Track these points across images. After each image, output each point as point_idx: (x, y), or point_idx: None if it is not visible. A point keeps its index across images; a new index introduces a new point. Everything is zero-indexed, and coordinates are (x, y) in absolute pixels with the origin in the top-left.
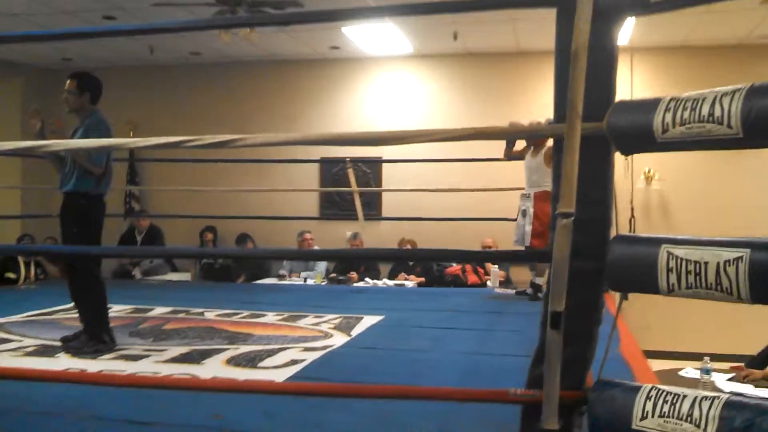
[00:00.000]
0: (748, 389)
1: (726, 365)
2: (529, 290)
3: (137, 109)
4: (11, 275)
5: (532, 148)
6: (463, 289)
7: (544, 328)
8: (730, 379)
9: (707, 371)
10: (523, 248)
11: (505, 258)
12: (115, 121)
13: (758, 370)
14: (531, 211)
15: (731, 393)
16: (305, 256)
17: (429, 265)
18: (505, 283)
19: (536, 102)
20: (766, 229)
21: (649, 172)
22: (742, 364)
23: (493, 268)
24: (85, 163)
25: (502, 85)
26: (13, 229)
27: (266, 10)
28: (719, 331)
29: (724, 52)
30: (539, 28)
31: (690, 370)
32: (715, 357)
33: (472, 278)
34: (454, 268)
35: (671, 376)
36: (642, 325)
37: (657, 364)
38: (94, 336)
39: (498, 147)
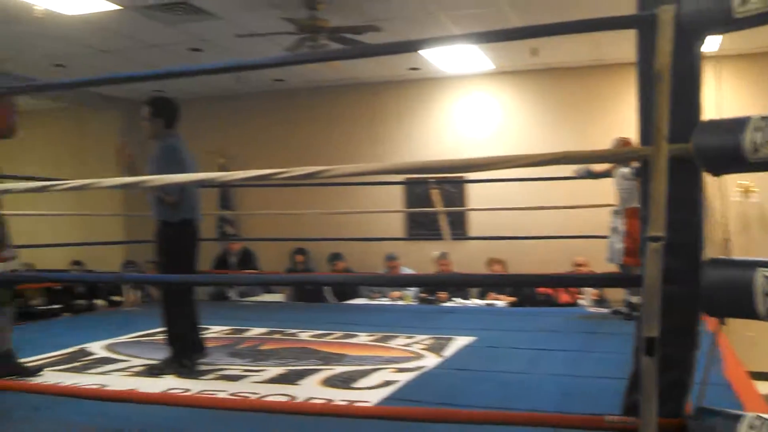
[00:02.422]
0: None
1: None
2: (624, 309)
3: (226, 137)
4: (118, 298)
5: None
6: (555, 308)
7: (638, 354)
8: None
9: None
10: (616, 267)
11: (595, 283)
12: (205, 149)
13: None
14: (622, 228)
15: None
16: (395, 283)
17: None
18: (599, 301)
19: (620, 114)
20: None
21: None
22: None
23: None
24: (157, 192)
25: (584, 98)
26: (117, 254)
27: (346, 36)
28: None
29: None
30: (621, 39)
31: None
32: None
33: (564, 297)
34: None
35: None
36: (746, 343)
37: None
38: (176, 359)
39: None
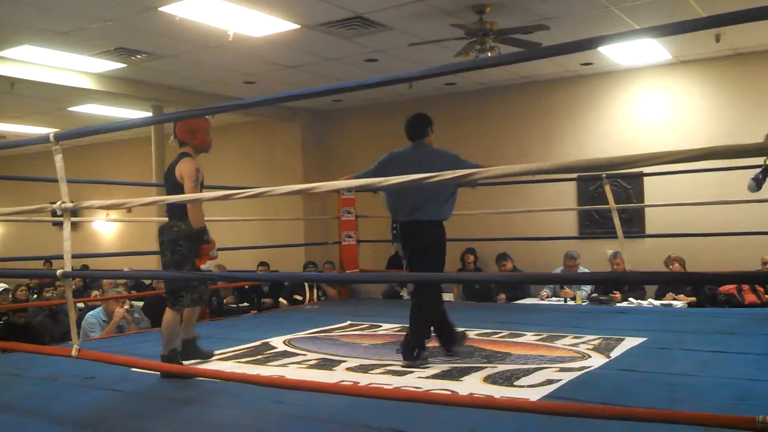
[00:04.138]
0: None
1: None
2: None
3: (400, 141)
4: (298, 297)
5: None
6: (739, 309)
7: None
8: None
9: None
10: None
11: None
12: (381, 152)
13: None
14: None
15: None
16: (559, 281)
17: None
18: None
19: None
20: None
21: None
22: None
23: None
24: None
25: None
26: (298, 255)
27: (514, 37)
28: None
29: None
30: None
31: None
32: None
33: (750, 297)
34: (729, 286)
35: None
36: None
37: None
38: (412, 346)
39: None
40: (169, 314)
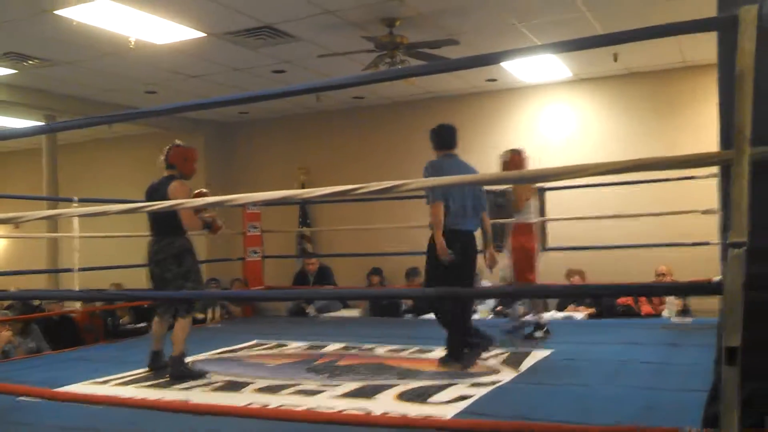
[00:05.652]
0: None
1: None
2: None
3: (308, 154)
4: (200, 315)
5: None
6: (637, 319)
7: (718, 364)
8: None
9: None
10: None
11: (673, 291)
12: (288, 166)
13: None
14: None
15: None
16: (475, 296)
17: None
18: (683, 312)
19: (706, 116)
20: None
21: None
22: None
23: (669, 297)
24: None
25: (668, 102)
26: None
27: (423, 51)
28: None
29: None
30: (706, 39)
31: None
32: None
33: (646, 308)
34: (626, 297)
35: None
36: None
37: None
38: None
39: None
40: (183, 321)
